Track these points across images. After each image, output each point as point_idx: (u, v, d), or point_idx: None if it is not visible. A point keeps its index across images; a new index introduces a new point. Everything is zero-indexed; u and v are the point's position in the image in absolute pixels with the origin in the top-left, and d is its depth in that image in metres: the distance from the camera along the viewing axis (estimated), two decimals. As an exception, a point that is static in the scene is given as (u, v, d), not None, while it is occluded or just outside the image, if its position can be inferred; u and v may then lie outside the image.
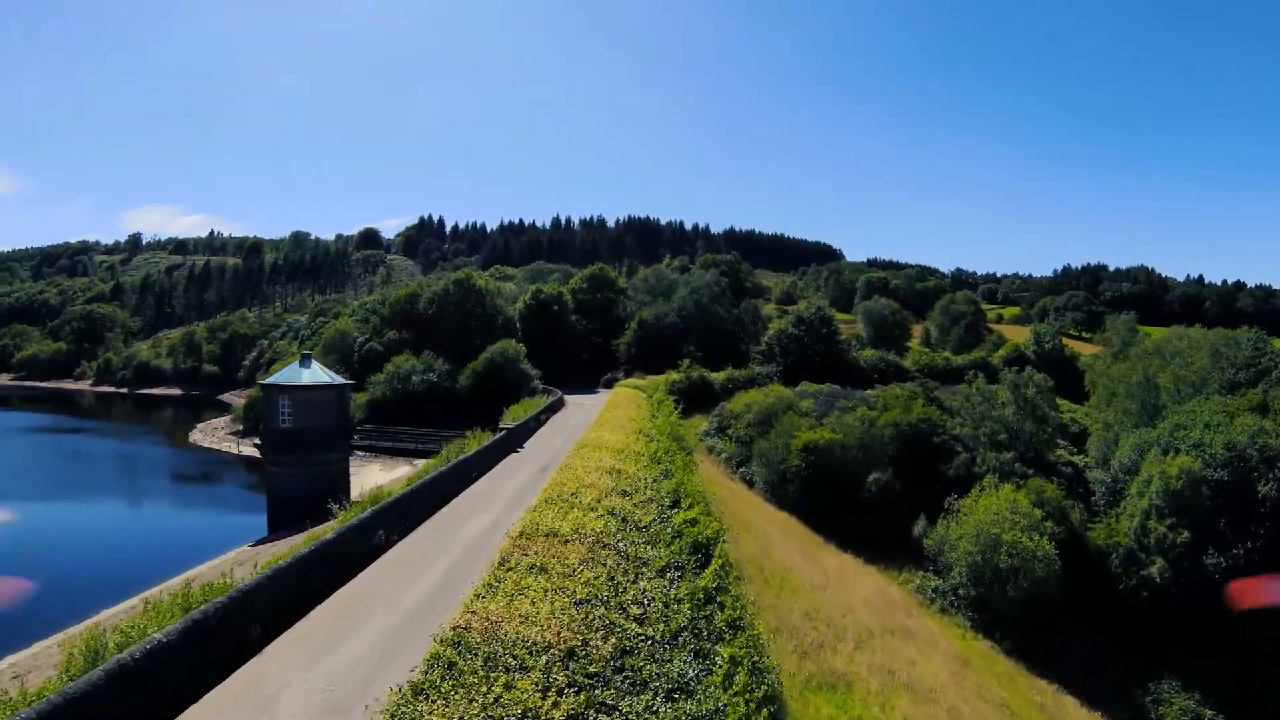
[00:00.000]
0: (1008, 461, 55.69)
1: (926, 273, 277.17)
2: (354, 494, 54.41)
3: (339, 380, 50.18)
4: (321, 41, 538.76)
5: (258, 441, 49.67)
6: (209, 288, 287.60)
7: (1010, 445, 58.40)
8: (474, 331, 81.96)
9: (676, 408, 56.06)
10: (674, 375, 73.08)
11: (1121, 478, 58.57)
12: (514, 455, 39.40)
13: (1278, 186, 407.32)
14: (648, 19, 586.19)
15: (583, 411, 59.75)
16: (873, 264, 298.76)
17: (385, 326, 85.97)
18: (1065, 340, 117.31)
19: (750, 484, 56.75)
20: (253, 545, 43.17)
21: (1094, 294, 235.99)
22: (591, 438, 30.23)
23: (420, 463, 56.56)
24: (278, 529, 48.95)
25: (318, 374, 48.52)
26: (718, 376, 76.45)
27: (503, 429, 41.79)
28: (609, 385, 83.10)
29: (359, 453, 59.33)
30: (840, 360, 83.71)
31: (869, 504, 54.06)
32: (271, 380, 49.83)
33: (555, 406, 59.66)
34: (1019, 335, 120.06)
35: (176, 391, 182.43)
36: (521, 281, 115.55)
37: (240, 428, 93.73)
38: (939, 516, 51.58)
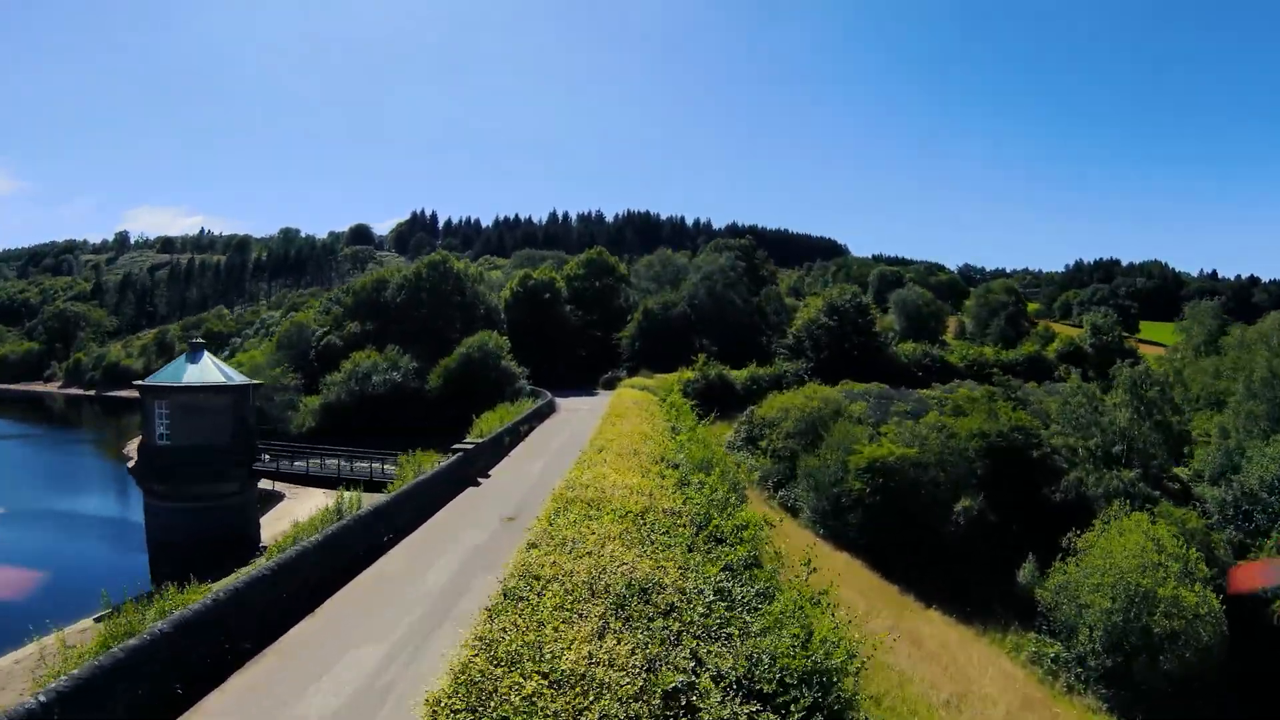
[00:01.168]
0: (1130, 481, 42.26)
1: (934, 268, 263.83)
2: (268, 536, 40.71)
3: (238, 379, 36.51)
4: (320, 41, 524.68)
5: (130, 463, 35.83)
6: (192, 285, 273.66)
7: (1125, 459, 44.97)
8: (451, 323, 68.33)
9: (704, 418, 42.66)
10: (688, 374, 59.55)
11: (1266, 499, 45.33)
12: (470, 492, 25.82)
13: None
14: (644, 12, 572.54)
15: (577, 420, 46.16)
16: (878, 260, 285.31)
17: (347, 318, 72.23)
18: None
19: (794, 512, 43.25)
20: (96, 620, 29.35)
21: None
22: (583, 481, 16.61)
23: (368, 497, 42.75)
24: (162, 582, 35.35)
25: (207, 371, 34.87)
26: (739, 375, 62.93)
27: (458, 450, 28.18)
28: (610, 386, 69.42)
29: (270, 482, 45.19)
30: (879, 355, 70.25)
31: (954, 538, 40.65)
32: (148, 380, 36.02)
33: (542, 413, 46.04)
34: (1063, 331, 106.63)
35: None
36: (510, 270, 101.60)
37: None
38: (1050, 557, 38.72)
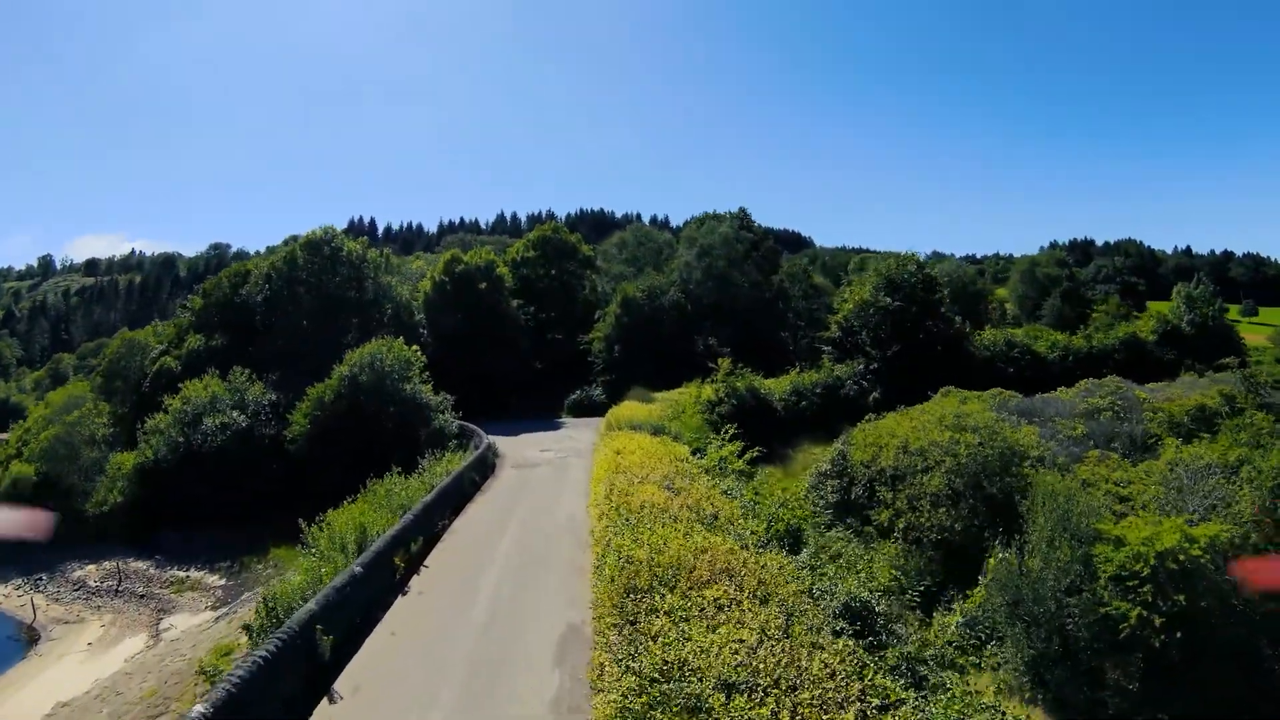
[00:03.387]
0: None
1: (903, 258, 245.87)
2: None
3: None
4: (257, 57, 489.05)
5: None
6: (110, 309, 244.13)
7: None
8: (343, 332, 44.95)
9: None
10: (707, 390, 37.16)
11: None
12: None
13: (1253, 152, 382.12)
14: (589, 15, 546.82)
15: (532, 498, 23.28)
16: (844, 250, 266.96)
17: (193, 331, 48.40)
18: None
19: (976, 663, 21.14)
20: None
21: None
22: None
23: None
24: None
25: None
26: (776, 388, 40.80)
27: None
28: (581, 410, 47.14)
29: None
30: (957, 348, 48.91)
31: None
32: None
33: (466, 487, 23.27)
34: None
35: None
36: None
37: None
38: None
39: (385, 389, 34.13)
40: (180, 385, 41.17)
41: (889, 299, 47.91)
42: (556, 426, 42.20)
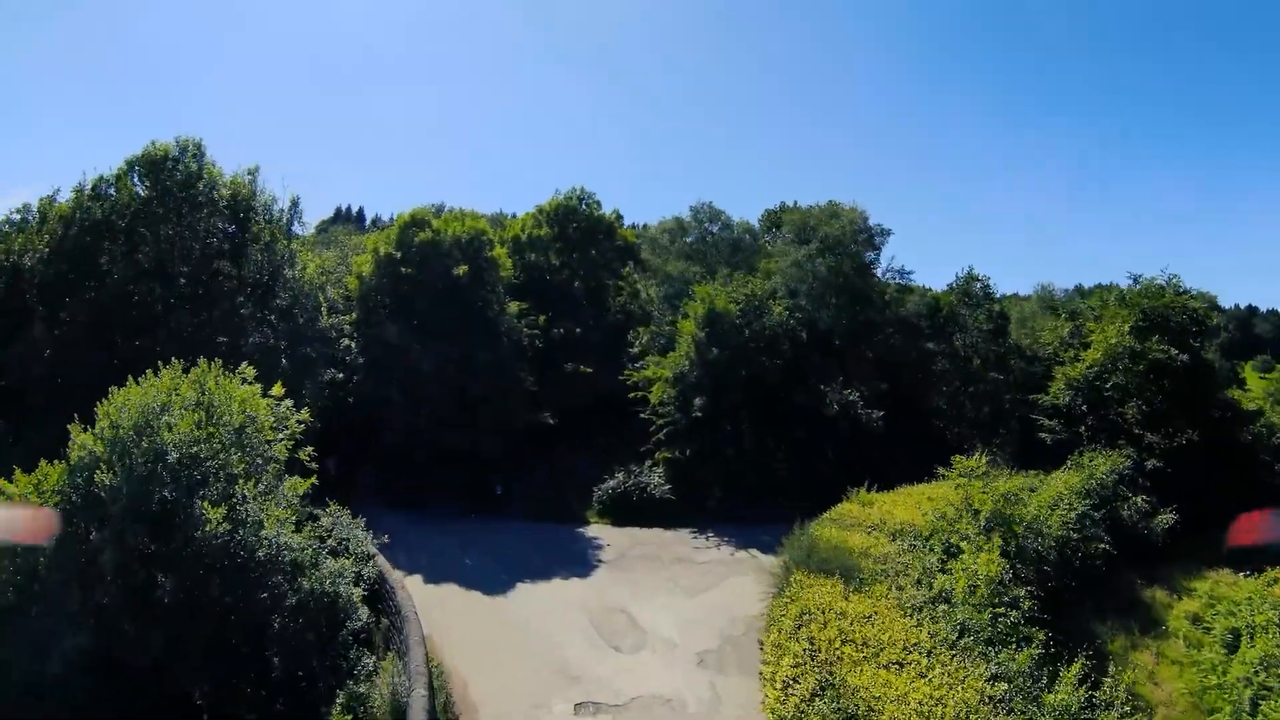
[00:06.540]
0: None
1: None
2: None
3: None
4: (265, 36, 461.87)
5: None
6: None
7: None
8: (191, 342, 22.64)
9: None
10: (991, 558, 15.40)
11: None
12: None
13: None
14: (605, 19, 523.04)
15: None
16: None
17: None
18: None
19: None
20: None
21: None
22: None
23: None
24: None
25: None
26: (1038, 509, 19.28)
27: None
28: (629, 513, 25.95)
29: None
30: (1237, 435, 28.47)
31: None
32: None
33: None
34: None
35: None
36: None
37: None
38: None
39: (173, 513, 12.52)
40: None
41: (1164, 349, 27.16)
42: (587, 566, 20.67)
